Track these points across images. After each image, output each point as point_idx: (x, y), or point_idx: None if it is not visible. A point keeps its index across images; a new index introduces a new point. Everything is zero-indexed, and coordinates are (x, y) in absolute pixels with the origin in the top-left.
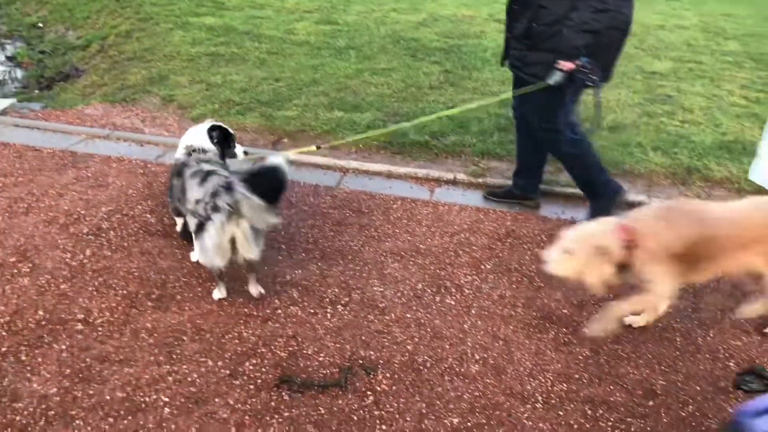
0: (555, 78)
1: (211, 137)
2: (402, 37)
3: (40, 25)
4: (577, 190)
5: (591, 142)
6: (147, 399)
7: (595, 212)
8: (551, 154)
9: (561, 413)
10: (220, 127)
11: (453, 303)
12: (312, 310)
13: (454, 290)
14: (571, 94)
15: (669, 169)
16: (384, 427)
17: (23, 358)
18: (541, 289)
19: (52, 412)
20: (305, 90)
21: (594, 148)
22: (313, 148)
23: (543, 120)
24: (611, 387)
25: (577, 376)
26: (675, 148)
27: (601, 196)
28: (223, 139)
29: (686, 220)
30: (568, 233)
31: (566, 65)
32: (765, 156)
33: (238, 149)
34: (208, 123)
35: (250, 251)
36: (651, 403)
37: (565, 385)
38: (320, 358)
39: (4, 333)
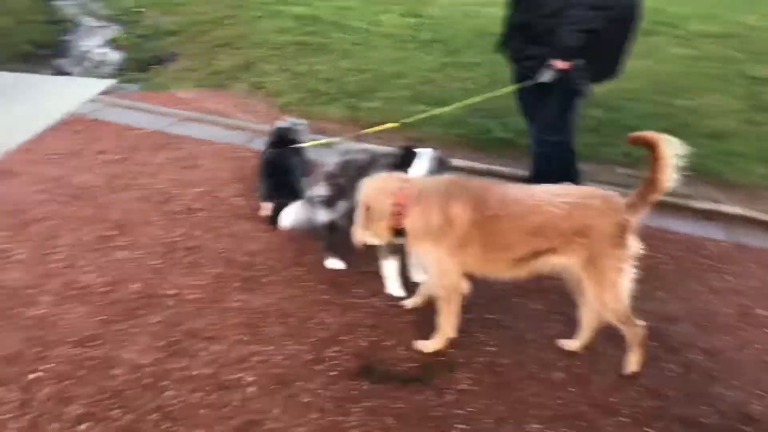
0: (546, 76)
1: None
2: (488, 32)
3: (142, 9)
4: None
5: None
6: (233, 377)
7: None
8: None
9: (649, 430)
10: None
11: (540, 307)
12: (392, 303)
13: (537, 295)
14: (562, 95)
15: None
16: (463, 426)
17: (120, 327)
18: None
19: (146, 381)
20: (389, 82)
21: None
22: (396, 123)
23: (549, 127)
24: (704, 408)
25: (667, 392)
26: None
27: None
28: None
29: (466, 198)
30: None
31: (559, 65)
32: None
33: None
34: (427, 151)
35: None
36: (748, 429)
37: (653, 401)
38: (400, 352)
39: (103, 302)
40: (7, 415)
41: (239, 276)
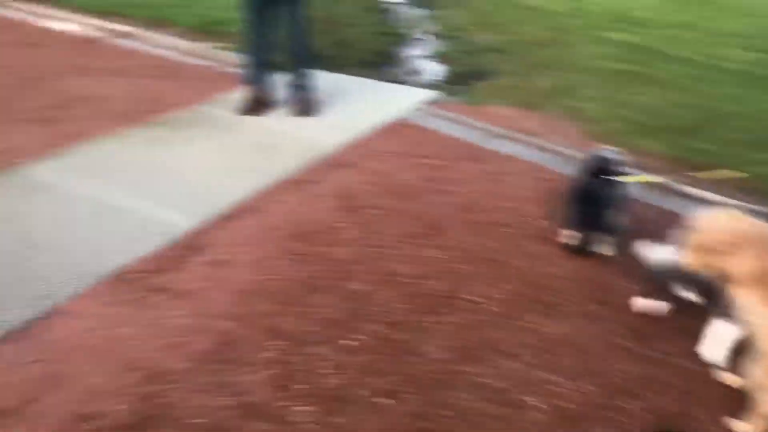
0: None
1: None
2: None
3: (469, 27)
4: None
5: None
6: (520, 397)
7: None
8: None
9: None
10: None
11: None
12: (706, 368)
13: None
14: None
15: None
16: None
17: (422, 319)
18: None
19: (440, 377)
20: (724, 123)
21: None
22: (741, 173)
23: None
24: None
25: None
26: None
27: None
28: None
29: None
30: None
31: None
32: None
33: None
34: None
35: None
36: None
37: None
38: (709, 426)
39: (410, 292)
40: (326, 371)
41: (536, 298)
